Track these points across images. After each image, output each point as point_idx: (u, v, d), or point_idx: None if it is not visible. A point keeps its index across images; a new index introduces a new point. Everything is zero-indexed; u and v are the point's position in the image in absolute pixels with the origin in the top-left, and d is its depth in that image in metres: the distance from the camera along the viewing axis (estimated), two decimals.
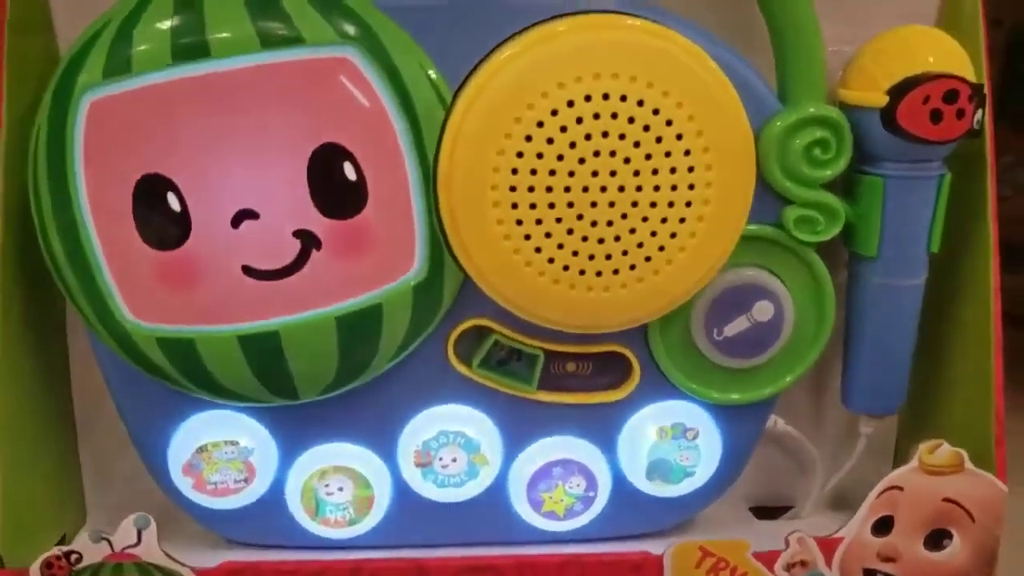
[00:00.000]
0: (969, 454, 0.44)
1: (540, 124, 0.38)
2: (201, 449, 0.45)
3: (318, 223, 0.40)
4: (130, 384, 0.44)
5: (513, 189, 0.39)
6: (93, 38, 0.39)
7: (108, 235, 0.40)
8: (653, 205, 0.40)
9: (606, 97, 0.38)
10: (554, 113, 0.38)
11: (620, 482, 0.47)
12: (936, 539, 0.45)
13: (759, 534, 0.48)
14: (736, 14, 0.45)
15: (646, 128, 0.39)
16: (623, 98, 0.38)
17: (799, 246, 0.44)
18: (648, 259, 0.41)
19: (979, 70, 0.44)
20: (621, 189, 0.39)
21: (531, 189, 0.39)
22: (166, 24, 0.38)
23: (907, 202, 0.44)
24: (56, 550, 0.43)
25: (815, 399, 0.52)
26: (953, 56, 0.42)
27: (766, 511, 0.53)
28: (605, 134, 0.38)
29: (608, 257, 0.40)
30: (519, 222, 0.40)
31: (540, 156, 0.39)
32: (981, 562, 0.45)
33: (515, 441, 0.46)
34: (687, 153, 0.39)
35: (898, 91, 0.41)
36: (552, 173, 0.39)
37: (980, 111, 0.42)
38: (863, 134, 0.43)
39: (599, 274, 0.41)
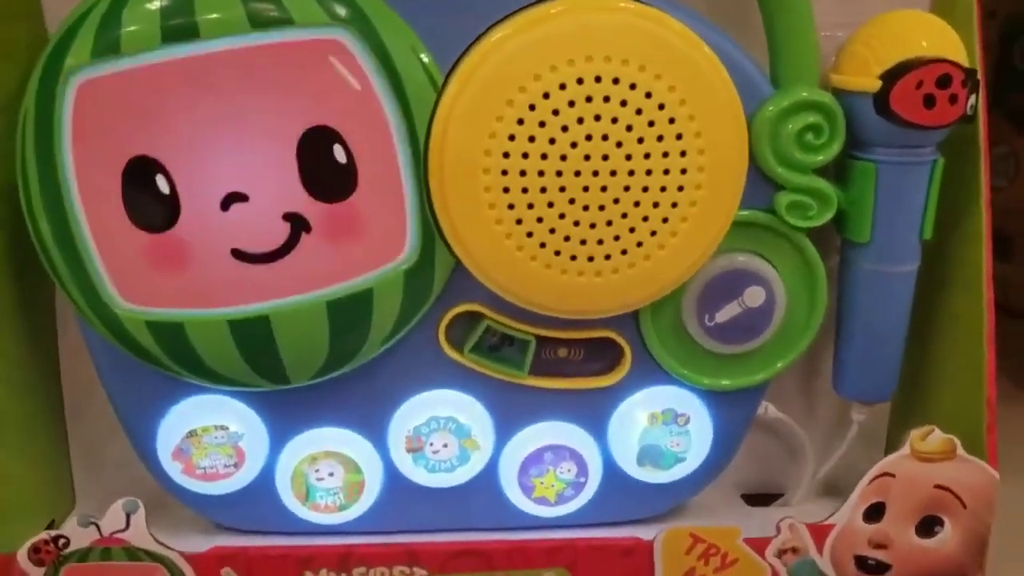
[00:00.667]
0: (960, 441, 0.44)
1: (532, 107, 0.38)
2: (191, 434, 0.45)
3: (308, 206, 0.40)
4: (120, 369, 0.44)
5: (505, 173, 0.39)
6: (81, 19, 0.39)
7: (97, 218, 0.40)
8: (645, 190, 0.40)
9: (598, 80, 0.38)
10: (546, 96, 0.38)
11: (611, 468, 0.47)
12: (927, 526, 0.45)
13: (750, 521, 0.48)
14: None
15: (638, 112, 0.38)
16: (615, 81, 0.38)
17: (791, 231, 0.44)
18: (640, 244, 0.40)
19: (972, 56, 0.44)
20: (613, 173, 0.39)
21: (523, 173, 0.39)
22: (155, 5, 0.38)
23: (899, 188, 0.44)
24: (44, 534, 0.42)
25: (806, 386, 0.52)
26: (946, 41, 0.42)
27: (757, 498, 0.53)
28: (597, 117, 0.38)
29: (600, 242, 0.40)
30: (511, 206, 0.39)
31: (532, 139, 0.38)
32: (972, 549, 0.45)
33: (506, 426, 0.46)
34: (679, 137, 0.39)
35: (891, 76, 0.41)
36: (544, 157, 0.39)
37: (973, 96, 0.42)
38: (855, 119, 0.43)
39: (591, 259, 0.40)
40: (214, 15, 0.38)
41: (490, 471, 0.47)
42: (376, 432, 0.46)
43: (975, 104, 0.43)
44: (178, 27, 0.38)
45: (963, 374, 0.47)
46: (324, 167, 0.40)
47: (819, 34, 0.42)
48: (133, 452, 0.46)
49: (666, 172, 0.39)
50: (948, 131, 0.43)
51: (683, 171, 0.40)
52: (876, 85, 0.42)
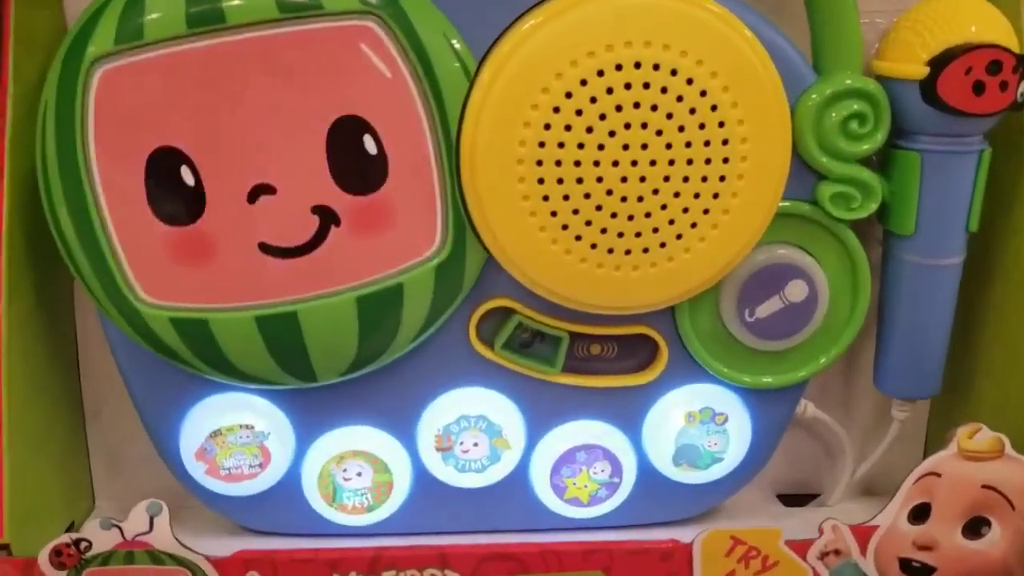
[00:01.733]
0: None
1: (569, 95, 0.37)
2: (215, 433, 0.44)
3: (337, 199, 0.39)
4: (141, 366, 0.43)
5: (540, 164, 0.38)
6: (103, 6, 0.38)
7: (119, 211, 0.39)
8: (685, 180, 0.38)
9: (638, 66, 0.37)
10: (583, 83, 0.37)
11: (646, 468, 0.46)
12: (974, 527, 0.43)
13: (788, 521, 0.47)
14: None
15: (679, 99, 0.37)
16: (656, 67, 0.37)
17: (834, 223, 0.42)
18: (679, 237, 0.39)
19: (1021, 42, 0.42)
20: (652, 163, 0.38)
21: (559, 163, 0.38)
22: None
23: (945, 178, 0.42)
24: (66, 537, 0.41)
25: (845, 383, 0.50)
26: (996, 25, 0.41)
27: (793, 498, 0.52)
28: (636, 105, 0.37)
29: (638, 235, 0.39)
30: (545, 198, 0.38)
31: (568, 128, 0.37)
32: (1021, 551, 0.43)
33: (538, 425, 0.45)
34: (721, 125, 0.38)
35: (939, 62, 0.40)
36: (581, 147, 0.38)
37: (1023, 83, 0.41)
38: (900, 107, 0.41)
39: (628, 253, 0.39)
40: (241, 1, 0.37)
41: (521, 471, 0.46)
42: (405, 431, 0.45)
43: None
44: (204, 13, 0.37)
45: (1009, 370, 0.46)
46: (354, 158, 0.39)
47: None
48: (154, 452, 0.45)
49: (708, 162, 0.38)
50: (996, 119, 0.41)
51: (725, 160, 0.38)
52: (923, 72, 0.40)
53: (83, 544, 0.41)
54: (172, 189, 0.38)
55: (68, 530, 0.46)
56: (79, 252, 0.40)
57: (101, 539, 0.41)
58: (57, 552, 0.41)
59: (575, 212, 0.38)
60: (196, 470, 0.44)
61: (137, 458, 0.48)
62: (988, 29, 0.40)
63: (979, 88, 0.40)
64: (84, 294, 0.41)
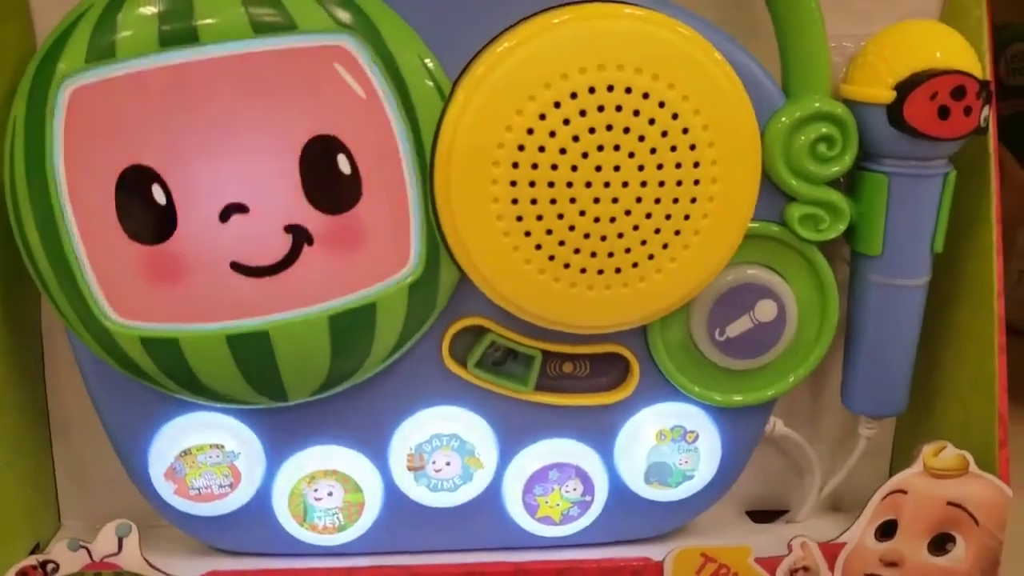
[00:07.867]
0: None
1: (542, 116, 0.37)
2: (184, 453, 0.43)
3: (310, 218, 0.39)
4: (110, 385, 0.43)
5: (514, 184, 0.38)
6: (74, 23, 0.38)
7: (89, 229, 0.38)
8: (657, 201, 0.39)
9: (611, 89, 0.37)
10: (557, 105, 0.37)
11: (617, 486, 0.46)
12: (940, 543, 0.44)
13: (757, 538, 0.47)
14: (738, 5, 0.44)
15: (651, 121, 0.38)
16: (628, 90, 0.37)
17: (803, 244, 0.43)
18: (651, 257, 0.40)
19: (984, 68, 0.43)
20: (625, 184, 0.38)
21: (532, 184, 0.38)
22: (153, 9, 0.37)
23: (912, 200, 0.43)
24: (31, 559, 0.41)
25: (812, 400, 0.51)
26: (960, 51, 0.41)
27: (761, 514, 0.52)
28: (609, 127, 0.37)
29: (610, 255, 0.39)
30: (519, 218, 0.38)
31: (542, 149, 0.37)
32: (985, 566, 0.44)
33: (511, 444, 0.45)
34: (692, 147, 0.38)
35: (905, 87, 0.41)
36: (554, 167, 0.38)
37: (987, 108, 0.42)
38: (867, 130, 0.42)
39: (600, 272, 0.39)
40: (214, 19, 0.37)
41: (493, 490, 0.45)
42: (376, 450, 0.44)
43: (988, 116, 0.42)
44: (176, 32, 0.37)
45: (973, 389, 0.46)
46: (328, 177, 0.38)
47: None
48: (123, 471, 0.45)
49: (679, 183, 0.39)
50: (960, 143, 0.42)
51: (696, 182, 0.39)
52: (890, 96, 0.41)
53: (50, 566, 0.41)
54: (143, 207, 0.38)
55: (33, 551, 0.46)
56: (47, 269, 0.39)
57: (68, 561, 0.41)
58: (23, 574, 0.41)
59: (548, 232, 0.39)
60: (165, 490, 0.44)
61: (105, 477, 0.47)
62: (953, 55, 0.41)
63: (944, 112, 0.41)
64: (52, 310, 0.41)
